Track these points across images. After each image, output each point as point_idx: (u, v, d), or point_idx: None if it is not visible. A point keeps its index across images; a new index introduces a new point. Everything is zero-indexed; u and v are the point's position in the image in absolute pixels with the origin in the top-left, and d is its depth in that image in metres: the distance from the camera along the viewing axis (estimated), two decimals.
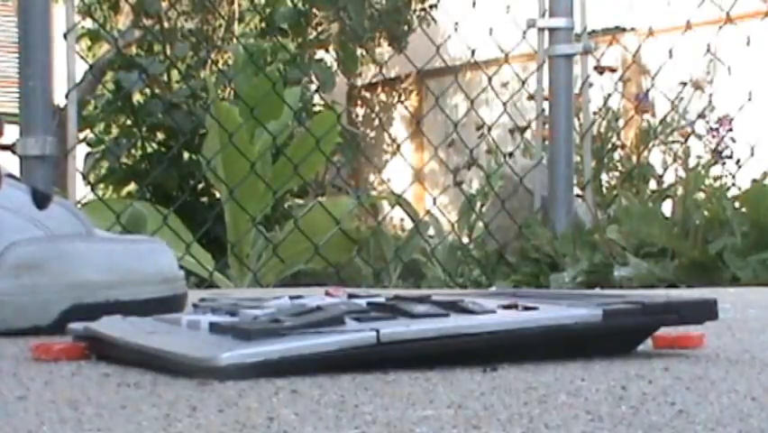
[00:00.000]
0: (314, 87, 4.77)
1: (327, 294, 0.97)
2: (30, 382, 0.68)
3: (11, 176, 1.16)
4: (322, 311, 0.78)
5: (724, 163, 2.99)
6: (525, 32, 2.46)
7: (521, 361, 0.76)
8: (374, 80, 7.06)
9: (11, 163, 1.65)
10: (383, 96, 7.66)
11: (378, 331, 0.72)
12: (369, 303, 0.83)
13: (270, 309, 0.81)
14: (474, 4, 2.66)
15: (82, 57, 2.46)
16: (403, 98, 7.43)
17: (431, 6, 6.44)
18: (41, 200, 1.11)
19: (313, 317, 0.76)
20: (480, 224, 2.75)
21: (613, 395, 0.61)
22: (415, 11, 6.44)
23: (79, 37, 4.17)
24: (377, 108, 7.52)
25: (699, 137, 3.09)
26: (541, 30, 2.44)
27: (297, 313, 0.78)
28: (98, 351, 0.80)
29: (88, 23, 4.80)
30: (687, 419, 0.53)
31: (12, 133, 1.85)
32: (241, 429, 0.50)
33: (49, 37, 1.88)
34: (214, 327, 0.75)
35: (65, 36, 2.03)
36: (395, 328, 0.73)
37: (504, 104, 2.70)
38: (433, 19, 6.24)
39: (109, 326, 0.82)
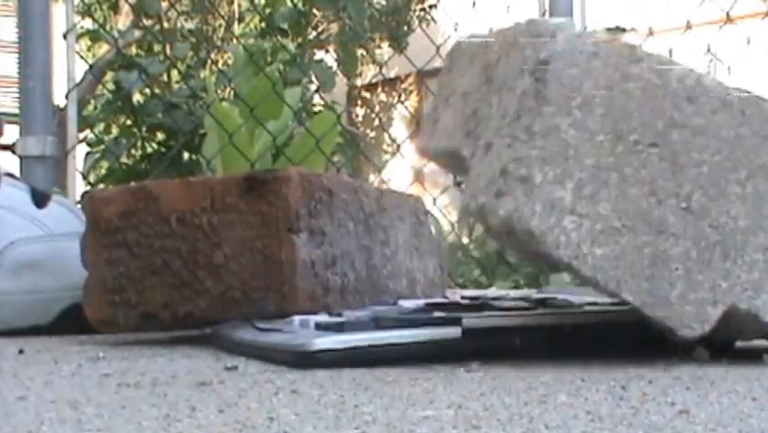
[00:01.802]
0: (314, 87, 4.77)
1: (443, 296, 1.08)
2: (30, 382, 0.68)
3: (10, 175, 1.16)
4: (414, 307, 0.87)
5: None
6: None
7: (524, 360, 0.76)
8: (374, 80, 7.06)
9: (11, 163, 1.65)
10: (383, 96, 7.65)
11: (461, 325, 0.77)
12: (465, 303, 0.91)
13: (374, 310, 0.89)
14: (474, 4, 2.66)
15: (82, 57, 2.45)
16: (403, 98, 7.43)
17: (431, 6, 6.43)
18: (39, 199, 1.11)
19: (405, 311, 0.85)
20: None
21: (613, 395, 0.61)
22: (415, 11, 6.44)
23: (79, 37, 4.17)
24: (377, 108, 7.51)
25: None
26: None
27: (396, 311, 0.86)
28: (220, 346, 0.89)
29: (88, 23, 4.80)
30: (687, 419, 0.53)
31: (12, 133, 1.85)
32: (241, 429, 0.50)
33: (48, 37, 1.87)
34: (318, 325, 0.82)
35: (65, 36, 2.02)
36: (476, 320, 0.79)
37: None
38: (433, 19, 6.23)
39: (232, 327, 0.90)
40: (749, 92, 0.81)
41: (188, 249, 0.94)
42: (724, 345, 0.83)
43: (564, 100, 0.75)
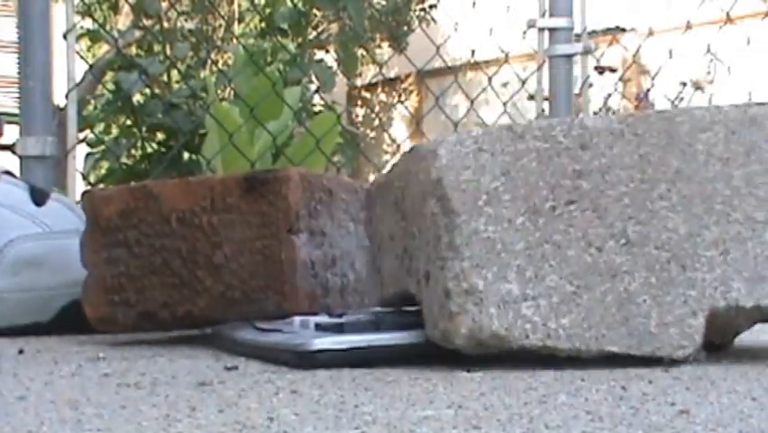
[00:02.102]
0: (314, 87, 4.76)
1: None
2: (30, 382, 0.68)
3: (9, 173, 1.16)
4: (414, 309, 0.86)
5: None
6: (525, 32, 2.46)
7: (524, 361, 0.76)
8: (374, 80, 7.06)
9: (11, 163, 1.65)
10: (383, 96, 7.65)
11: None
12: None
13: (373, 312, 0.89)
14: (474, 4, 2.66)
15: (82, 57, 2.45)
16: (403, 98, 7.43)
17: (431, 6, 6.44)
18: (39, 197, 1.11)
19: (405, 313, 0.85)
20: None
21: (613, 395, 0.61)
22: (415, 11, 6.44)
23: (79, 37, 4.16)
24: (377, 108, 7.52)
25: None
26: (541, 30, 2.44)
27: (396, 313, 0.86)
28: (220, 346, 0.89)
29: (88, 23, 4.80)
30: (687, 419, 0.53)
31: (12, 133, 1.85)
32: (241, 429, 0.50)
33: (48, 37, 1.87)
34: (318, 326, 0.82)
35: (65, 36, 2.02)
36: None
37: (504, 104, 2.70)
38: (433, 19, 6.24)
39: (232, 327, 0.90)
40: (632, 114, 0.81)
41: (188, 249, 0.93)
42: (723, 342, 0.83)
43: (471, 204, 0.76)
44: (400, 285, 0.83)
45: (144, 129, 3.95)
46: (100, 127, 4.16)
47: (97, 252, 0.95)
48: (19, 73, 1.87)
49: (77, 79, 2.04)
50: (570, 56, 2.42)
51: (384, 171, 0.89)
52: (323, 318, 0.86)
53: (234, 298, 0.92)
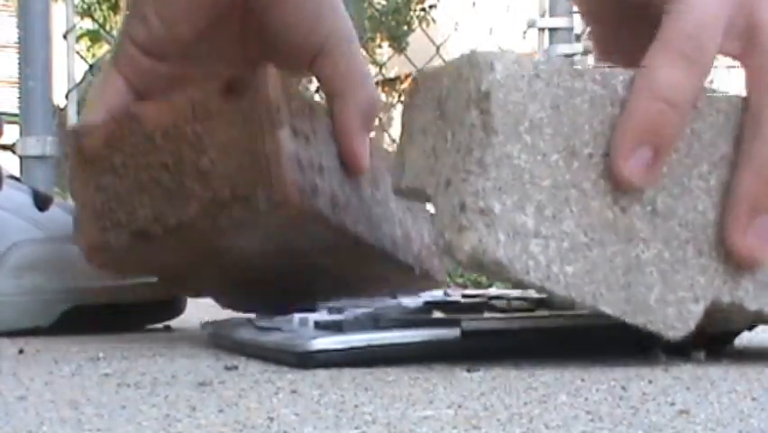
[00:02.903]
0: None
1: (445, 294, 1.06)
2: (30, 382, 0.68)
3: (12, 177, 1.16)
4: (412, 307, 0.87)
5: None
6: (525, 32, 2.46)
7: (524, 360, 0.76)
8: (374, 80, 7.07)
9: (11, 163, 1.65)
10: (383, 96, 7.66)
11: (461, 327, 0.76)
12: (465, 303, 0.90)
13: (374, 307, 0.88)
14: (474, 4, 2.67)
15: (82, 57, 2.46)
16: (403, 98, 7.43)
17: (431, 6, 6.44)
18: (41, 202, 1.12)
19: (404, 310, 0.84)
20: None
21: (613, 395, 0.61)
22: (415, 11, 6.45)
23: (79, 37, 4.16)
24: None
25: None
26: (541, 30, 2.44)
27: (396, 310, 0.85)
28: (220, 346, 0.89)
29: (88, 23, 4.80)
30: (687, 419, 0.53)
31: (12, 133, 1.85)
32: (241, 429, 0.50)
33: (48, 37, 1.88)
34: (318, 324, 0.81)
35: (65, 36, 2.03)
36: (476, 322, 0.77)
37: None
38: (432, 19, 6.24)
39: (232, 326, 0.90)
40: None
41: (175, 161, 0.92)
42: (719, 340, 0.83)
43: (512, 127, 0.73)
44: (420, 181, 0.80)
45: None
46: None
47: (86, 184, 0.93)
48: (19, 73, 1.88)
49: (77, 79, 2.04)
50: (570, 56, 2.42)
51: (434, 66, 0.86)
52: (322, 316, 0.86)
53: (224, 200, 0.90)
